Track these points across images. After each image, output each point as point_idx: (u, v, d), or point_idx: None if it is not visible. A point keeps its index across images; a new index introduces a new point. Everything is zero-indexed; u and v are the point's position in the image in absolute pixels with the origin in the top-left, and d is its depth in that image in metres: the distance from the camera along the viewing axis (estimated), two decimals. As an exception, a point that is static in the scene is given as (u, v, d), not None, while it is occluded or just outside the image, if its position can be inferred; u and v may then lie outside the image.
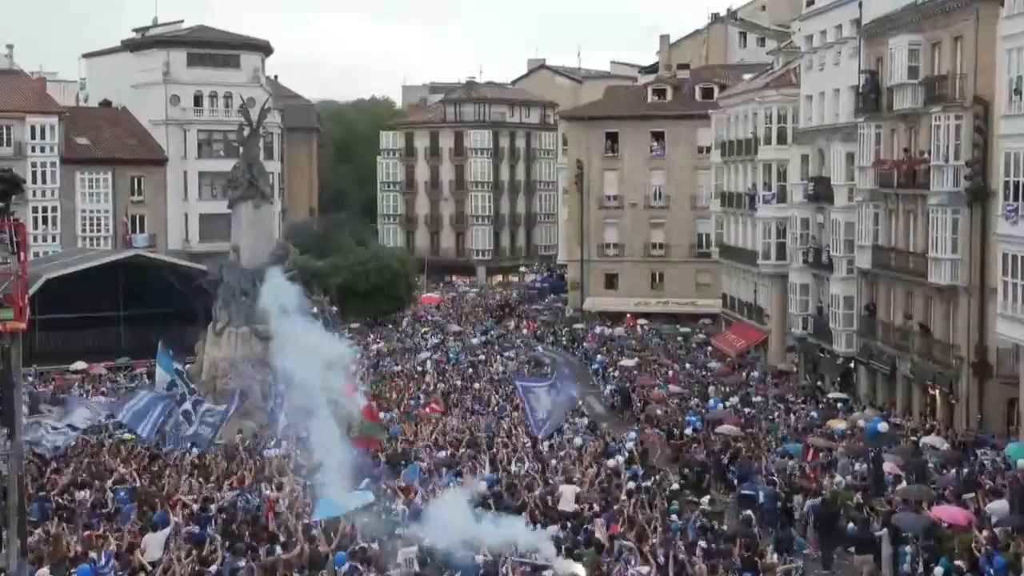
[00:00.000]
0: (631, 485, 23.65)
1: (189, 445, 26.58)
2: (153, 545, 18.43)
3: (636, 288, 69.67)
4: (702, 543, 19.04)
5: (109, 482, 23.21)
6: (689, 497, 25.93)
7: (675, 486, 25.92)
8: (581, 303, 71.01)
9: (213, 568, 17.15)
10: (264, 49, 71.62)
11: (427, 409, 35.48)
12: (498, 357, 51.71)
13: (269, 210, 37.60)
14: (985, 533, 19.84)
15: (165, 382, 28.86)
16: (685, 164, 68.76)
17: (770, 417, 36.04)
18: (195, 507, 21.03)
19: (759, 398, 40.37)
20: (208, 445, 26.36)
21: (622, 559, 17.59)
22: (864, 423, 33.38)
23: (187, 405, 26.61)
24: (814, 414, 36.48)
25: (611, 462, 26.69)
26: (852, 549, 22.24)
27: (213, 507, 21.08)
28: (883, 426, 31.51)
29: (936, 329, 36.32)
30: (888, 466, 26.46)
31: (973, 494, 23.38)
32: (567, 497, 22.08)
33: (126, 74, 69.07)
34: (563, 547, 17.82)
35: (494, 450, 27.86)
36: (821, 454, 29.21)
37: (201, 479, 23.85)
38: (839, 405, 38.66)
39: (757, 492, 25.13)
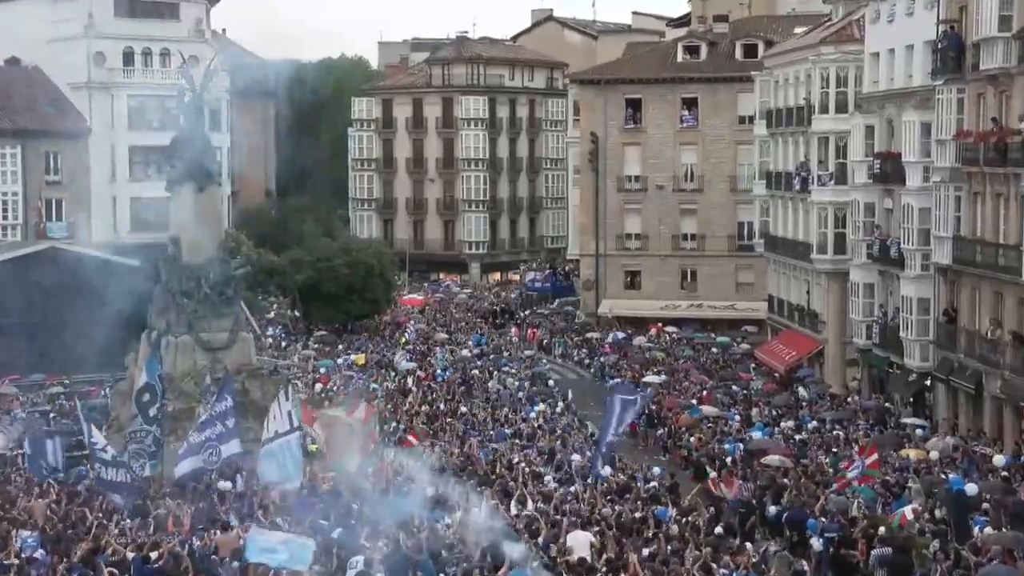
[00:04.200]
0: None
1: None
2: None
3: (663, 289, 69.77)
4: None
5: (17, 531, 22.90)
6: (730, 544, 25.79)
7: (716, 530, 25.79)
8: (596, 307, 71.08)
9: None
10: (209, -4, 71.59)
11: (405, 443, 35.31)
12: (495, 372, 51.69)
13: (216, 193, 37.59)
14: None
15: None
16: (723, 138, 68.91)
17: (831, 448, 35.85)
18: (130, 556, 20.86)
19: (814, 423, 40.26)
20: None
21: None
22: (938, 454, 33.14)
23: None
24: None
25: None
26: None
27: (156, 554, 20.86)
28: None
29: (1031, 339, 36.26)
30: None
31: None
32: (580, 545, 21.98)
33: (39, 26, 68.90)
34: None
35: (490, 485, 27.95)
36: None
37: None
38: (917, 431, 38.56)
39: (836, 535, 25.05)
